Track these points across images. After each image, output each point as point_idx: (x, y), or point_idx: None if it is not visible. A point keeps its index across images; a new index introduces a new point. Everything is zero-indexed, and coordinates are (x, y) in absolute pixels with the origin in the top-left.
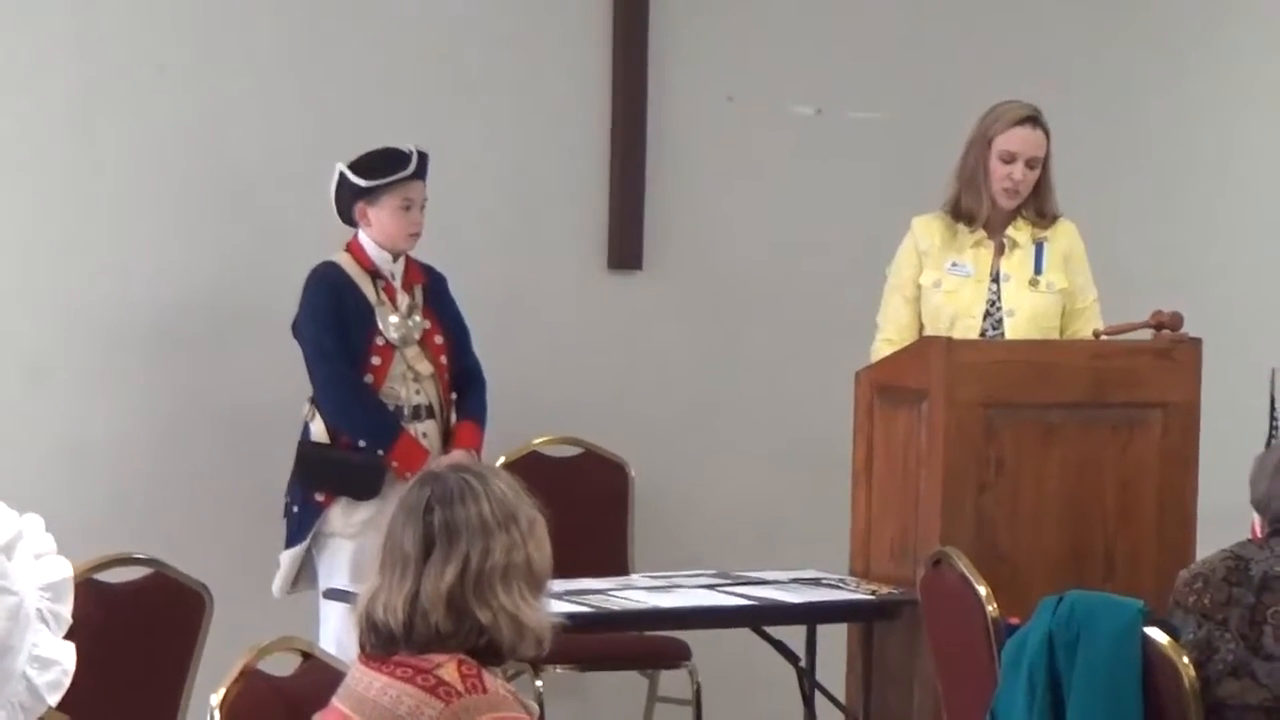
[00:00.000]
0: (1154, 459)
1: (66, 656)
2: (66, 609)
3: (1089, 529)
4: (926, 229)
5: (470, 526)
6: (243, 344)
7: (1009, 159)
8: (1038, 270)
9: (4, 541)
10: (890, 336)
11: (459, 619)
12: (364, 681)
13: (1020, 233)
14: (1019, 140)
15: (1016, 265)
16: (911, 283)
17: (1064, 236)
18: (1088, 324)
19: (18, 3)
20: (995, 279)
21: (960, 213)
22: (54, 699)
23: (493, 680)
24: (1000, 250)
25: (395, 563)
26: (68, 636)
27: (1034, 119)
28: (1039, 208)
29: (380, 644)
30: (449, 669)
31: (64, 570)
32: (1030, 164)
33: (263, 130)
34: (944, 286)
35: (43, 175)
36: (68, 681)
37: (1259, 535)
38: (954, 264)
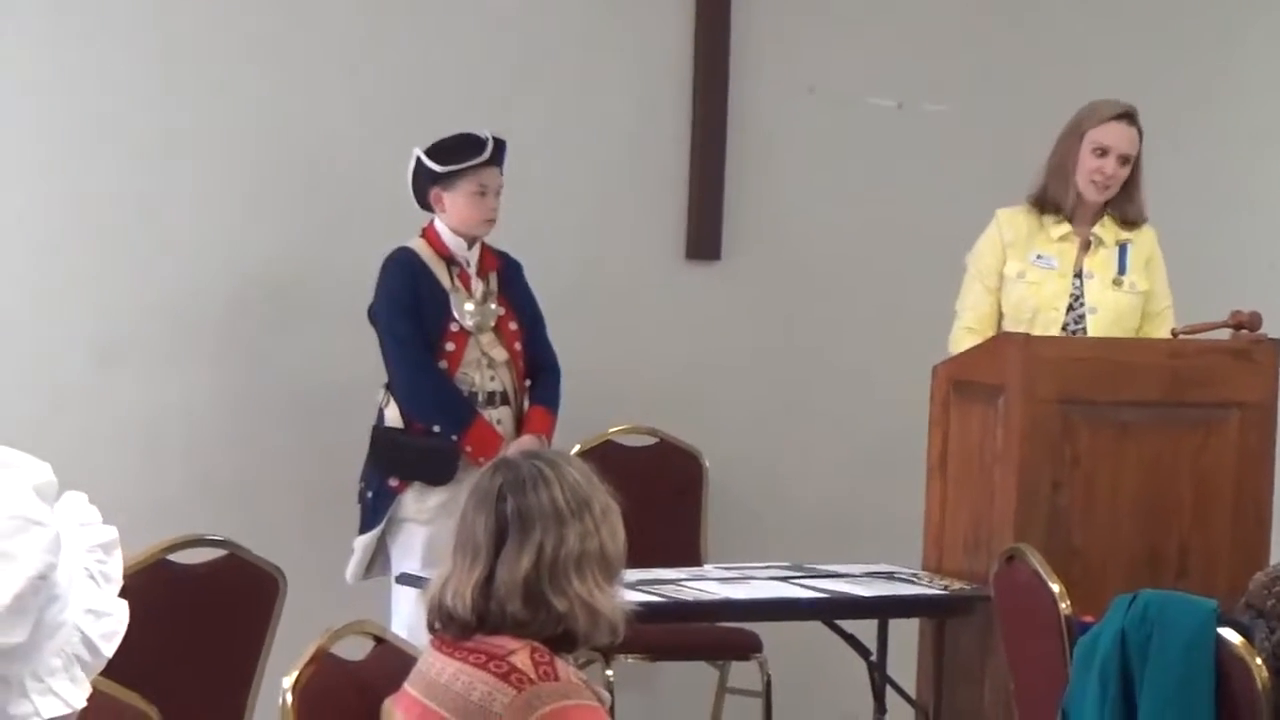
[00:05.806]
0: (1230, 459)
1: (119, 609)
2: (116, 569)
3: (1163, 528)
4: (1011, 221)
5: (544, 514)
6: (317, 327)
7: (1102, 152)
8: (1121, 270)
9: (37, 483)
10: (970, 324)
11: (535, 608)
12: (436, 667)
13: (1106, 232)
14: (1114, 135)
15: (1100, 264)
16: (994, 272)
17: (1147, 242)
18: (1161, 328)
19: None
20: (1079, 275)
21: (1046, 203)
22: (109, 649)
23: (565, 668)
24: (1085, 247)
25: (466, 550)
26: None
27: (1130, 115)
28: (1126, 209)
29: (452, 629)
30: (522, 655)
31: (110, 533)
32: (1122, 160)
33: (339, 112)
34: (1028, 278)
35: (116, 155)
36: (122, 631)
37: None
38: (1039, 256)
